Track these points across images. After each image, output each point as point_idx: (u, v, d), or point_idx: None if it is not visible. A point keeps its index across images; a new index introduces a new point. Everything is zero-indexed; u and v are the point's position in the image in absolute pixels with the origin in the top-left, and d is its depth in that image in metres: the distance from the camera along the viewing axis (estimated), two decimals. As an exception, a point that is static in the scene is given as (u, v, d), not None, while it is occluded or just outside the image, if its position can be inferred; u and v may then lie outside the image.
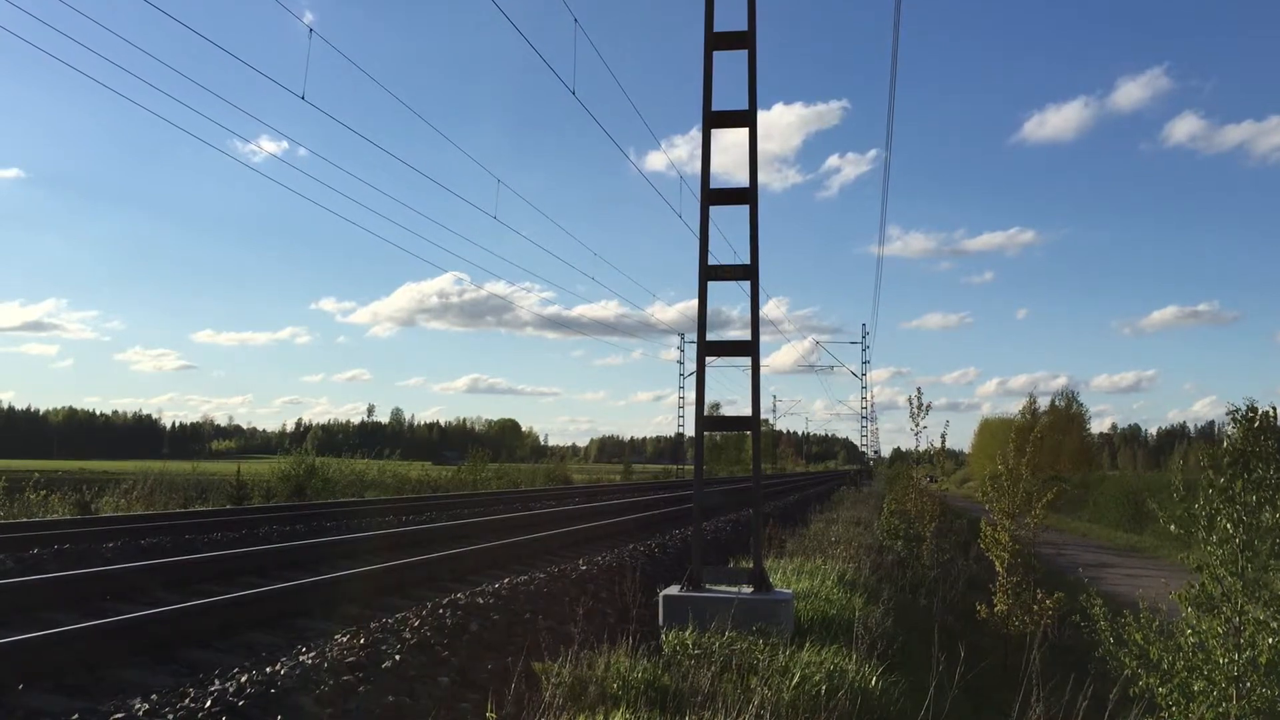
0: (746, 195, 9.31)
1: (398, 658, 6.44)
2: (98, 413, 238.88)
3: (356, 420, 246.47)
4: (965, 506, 45.98)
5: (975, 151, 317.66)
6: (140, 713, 4.97)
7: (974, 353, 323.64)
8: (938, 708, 5.88)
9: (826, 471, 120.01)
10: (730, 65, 9.58)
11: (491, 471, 49.96)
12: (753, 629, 7.98)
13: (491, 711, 5.53)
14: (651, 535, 16.92)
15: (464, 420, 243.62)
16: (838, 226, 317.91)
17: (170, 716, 4.92)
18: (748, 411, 9.34)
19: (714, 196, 9.48)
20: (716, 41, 9.46)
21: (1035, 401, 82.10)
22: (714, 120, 9.45)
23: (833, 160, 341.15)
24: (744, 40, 9.39)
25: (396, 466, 44.07)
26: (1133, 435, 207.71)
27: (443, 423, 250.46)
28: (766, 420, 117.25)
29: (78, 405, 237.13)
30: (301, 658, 6.24)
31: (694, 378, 9.63)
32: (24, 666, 6.18)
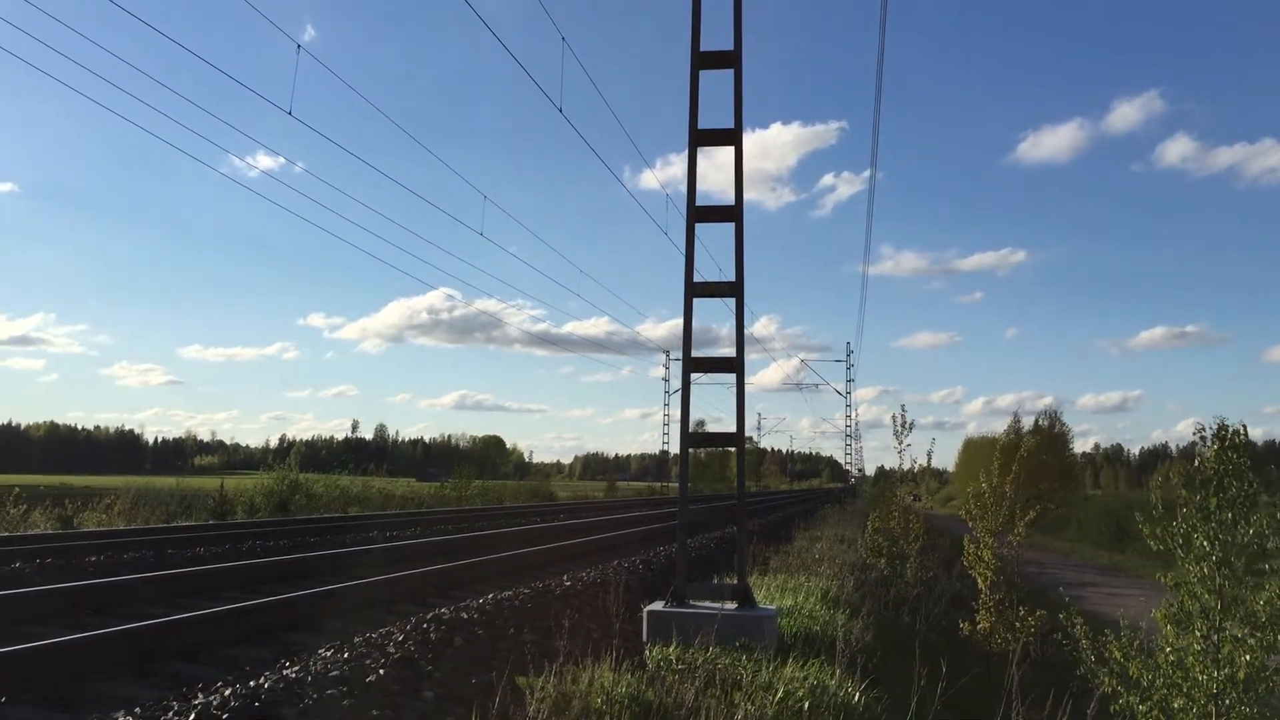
0: (732, 213, 9.40)
1: (382, 672, 6.45)
2: (80, 427, 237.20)
3: (341, 436, 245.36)
4: (948, 525, 46.08)
5: (969, 172, 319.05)
6: (124, 725, 4.97)
7: (962, 372, 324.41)
8: (920, 715, 5.93)
9: (811, 490, 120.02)
10: (723, 85, 9.67)
11: (476, 488, 49.92)
12: (736, 644, 8.02)
13: (475, 726, 5.55)
14: (635, 552, 16.93)
15: (448, 437, 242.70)
16: (830, 245, 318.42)
17: (154, 729, 4.92)
18: (733, 428, 9.41)
19: (700, 214, 9.56)
20: (703, 61, 9.56)
21: (1019, 421, 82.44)
22: (700, 138, 9.54)
23: (827, 179, 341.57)
24: (730, 60, 9.49)
25: (381, 483, 43.93)
26: (1115, 455, 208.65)
27: (427, 439, 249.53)
28: (751, 438, 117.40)
29: (60, 420, 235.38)
30: (285, 671, 6.25)
31: (679, 395, 9.69)
32: (4, 679, 6.16)
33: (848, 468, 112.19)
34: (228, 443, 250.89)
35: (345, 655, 6.76)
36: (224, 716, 5.20)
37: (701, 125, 9.57)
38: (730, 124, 9.52)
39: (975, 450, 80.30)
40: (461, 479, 51.06)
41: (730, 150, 9.61)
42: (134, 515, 25.10)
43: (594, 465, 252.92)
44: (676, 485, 10.36)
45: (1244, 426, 8.07)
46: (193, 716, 5.14)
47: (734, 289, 9.35)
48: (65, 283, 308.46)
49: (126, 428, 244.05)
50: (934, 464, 21.34)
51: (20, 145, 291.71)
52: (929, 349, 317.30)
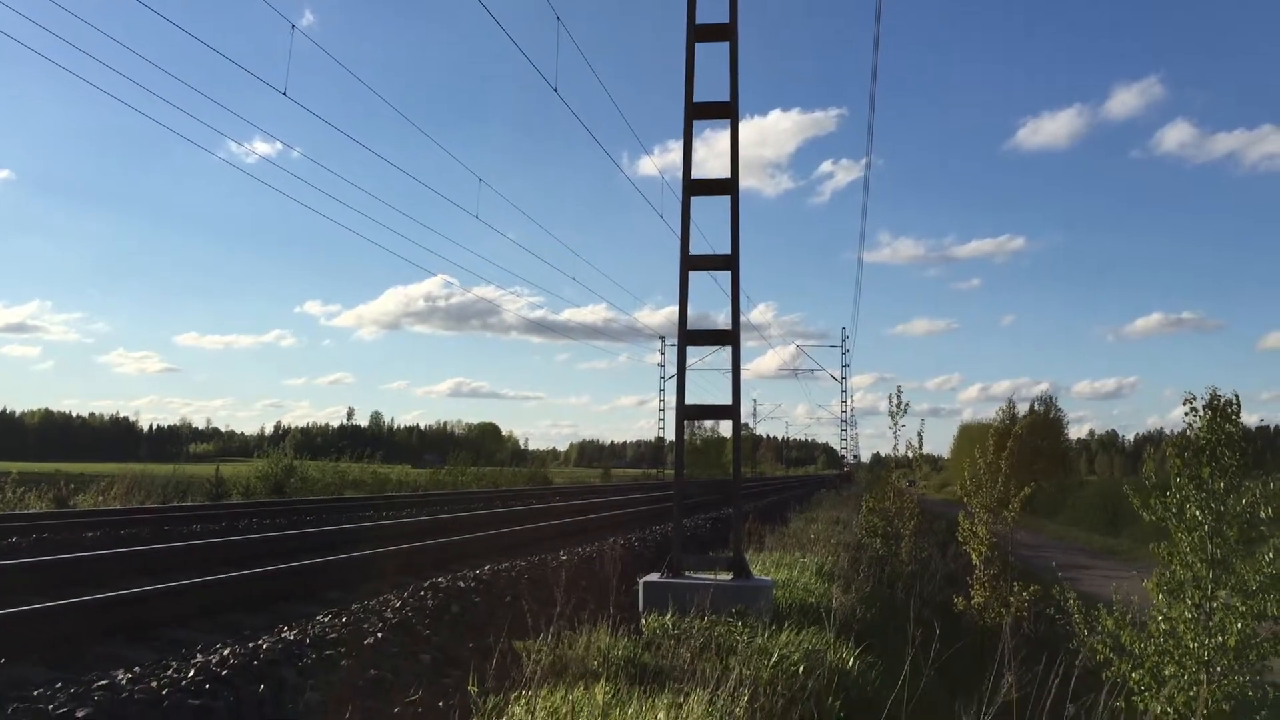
0: (727, 186, 9.43)
1: (380, 635, 6.50)
2: (75, 415, 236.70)
3: (336, 424, 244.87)
4: (943, 510, 46.19)
5: (968, 158, 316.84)
6: (123, 681, 5.00)
7: (958, 359, 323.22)
8: (913, 685, 5.98)
9: (806, 476, 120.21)
10: (720, 66, 9.67)
11: (471, 474, 50.00)
12: (732, 611, 8.07)
13: (473, 685, 5.60)
14: (631, 531, 16.99)
15: (444, 424, 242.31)
16: (828, 232, 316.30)
17: (154, 684, 4.95)
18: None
19: (695, 187, 9.59)
20: (699, 34, 9.58)
21: (1014, 406, 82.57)
22: (696, 111, 9.57)
23: (826, 166, 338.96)
24: (726, 32, 9.51)
25: (377, 467, 44.01)
26: (1110, 441, 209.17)
27: (423, 426, 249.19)
28: (747, 424, 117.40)
29: (55, 408, 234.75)
30: (284, 634, 6.29)
31: (674, 381, 9.71)
32: (5, 641, 6.20)
33: (843, 454, 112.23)
34: (223, 430, 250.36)
35: (343, 620, 6.80)
36: (223, 674, 5.24)
37: (694, 99, 9.58)
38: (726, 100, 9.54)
39: (971, 436, 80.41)
40: (457, 465, 51.17)
41: (726, 134, 9.63)
42: (129, 499, 25.11)
43: (590, 452, 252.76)
44: (672, 472, 10.42)
45: (1236, 397, 8.12)
46: (192, 673, 5.17)
47: (729, 261, 9.38)
48: (61, 270, 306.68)
49: (121, 415, 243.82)
50: (930, 451, 21.48)
51: (16, 132, 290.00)
52: (926, 336, 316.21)
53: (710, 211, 9.73)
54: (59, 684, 5.01)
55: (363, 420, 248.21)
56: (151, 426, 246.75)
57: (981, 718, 5.57)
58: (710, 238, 36.65)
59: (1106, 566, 27.96)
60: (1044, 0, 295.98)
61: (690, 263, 9.46)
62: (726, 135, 9.59)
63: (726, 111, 9.49)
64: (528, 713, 5.07)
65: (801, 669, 6.65)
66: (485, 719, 5.06)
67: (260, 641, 6.03)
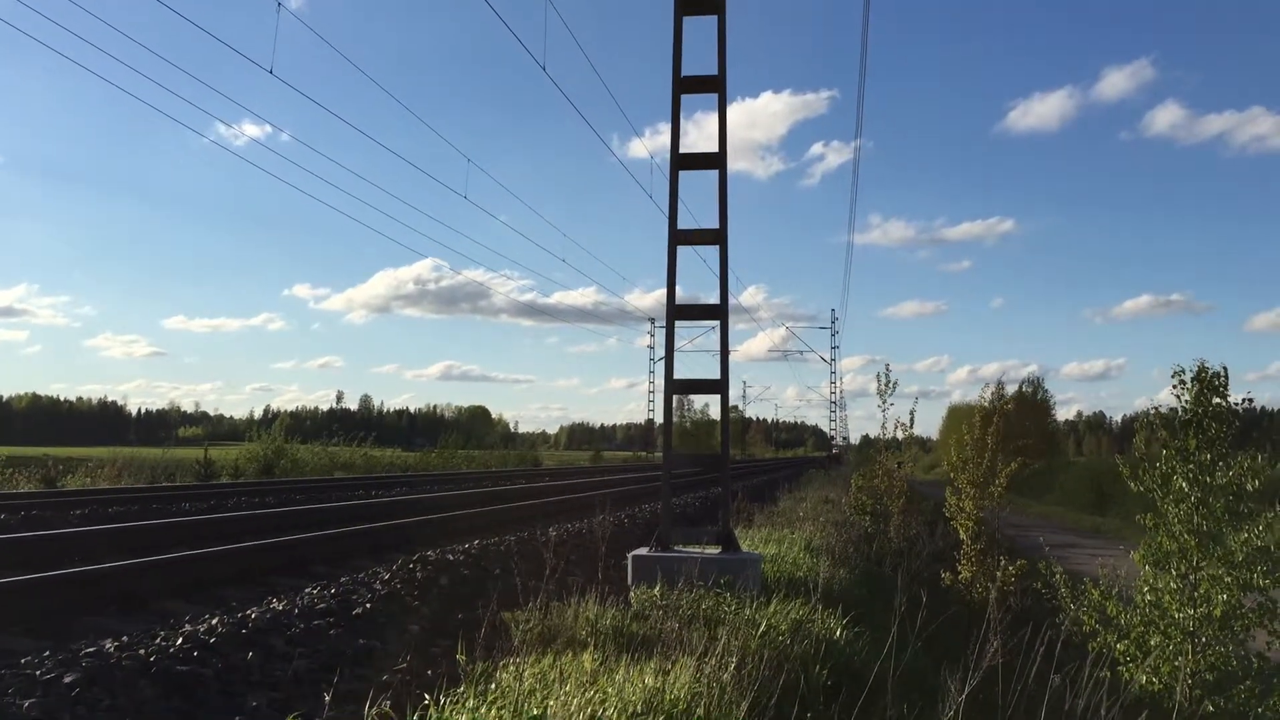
0: (715, 160, 9.40)
1: (368, 606, 6.51)
2: (62, 399, 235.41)
3: (326, 407, 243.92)
4: (932, 491, 46.34)
5: (958, 140, 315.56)
6: (111, 649, 5.00)
7: (948, 341, 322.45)
8: (899, 655, 6.00)
9: (796, 458, 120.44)
10: (709, 46, 9.59)
11: (461, 457, 50.00)
12: (720, 583, 8.09)
13: (462, 654, 5.61)
14: (620, 509, 17.02)
15: (434, 407, 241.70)
16: (819, 215, 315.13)
17: (142, 652, 4.96)
18: (716, 403, 9.45)
19: (683, 161, 9.56)
20: (686, 7, 9.53)
21: (1003, 387, 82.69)
22: (684, 85, 9.52)
23: (816, 148, 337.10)
24: (714, 6, 9.46)
25: (368, 450, 43.94)
26: (1098, 422, 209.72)
27: (413, 409, 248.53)
28: (736, 406, 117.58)
29: (43, 392, 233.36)
30: (273, 605, 6.29)
31: (664, 348, 9.72)
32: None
33: (832, 436, 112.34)
34: (212, 414, 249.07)
35: (333, 591, 6.81)
36: (211, 641, 5.24)
37: (682, 73, 9.54)
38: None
39: (959, 417, 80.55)
40: (448, 447, 51.15)
41: (715, 115, 9.60)
42: (119, 482, 25.04)
43: (580, 435, 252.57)
44: (661, 454, 10.43)
45: (1224, 369, 8.15)
46: (180, 641, 5.17)
47: (718, 236, 9.37)
48: (49, 254, 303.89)
49: (110, 399, 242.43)
50: (919, 433, 21.48)
51: (3, 115, 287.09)
52: (915, 318, 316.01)
53: (699, 193, 9.69)
54: (47, 653, 5.01)
55: (352, 404, 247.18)
56: (140, 410, 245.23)
57: (967, 682, 5.60)
58: (699, 217, 36.67)
59: (1093, 545, 28.09)
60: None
61: (678, 238, 9.45)
62: (715, 117, 9.57)
63: (714, 85, 9.45)
64: (516, 679, 5.08)
65: (789, 638, 6.69)
66: (473, 685, 5.07)
67: (249, 611, 6.03)
